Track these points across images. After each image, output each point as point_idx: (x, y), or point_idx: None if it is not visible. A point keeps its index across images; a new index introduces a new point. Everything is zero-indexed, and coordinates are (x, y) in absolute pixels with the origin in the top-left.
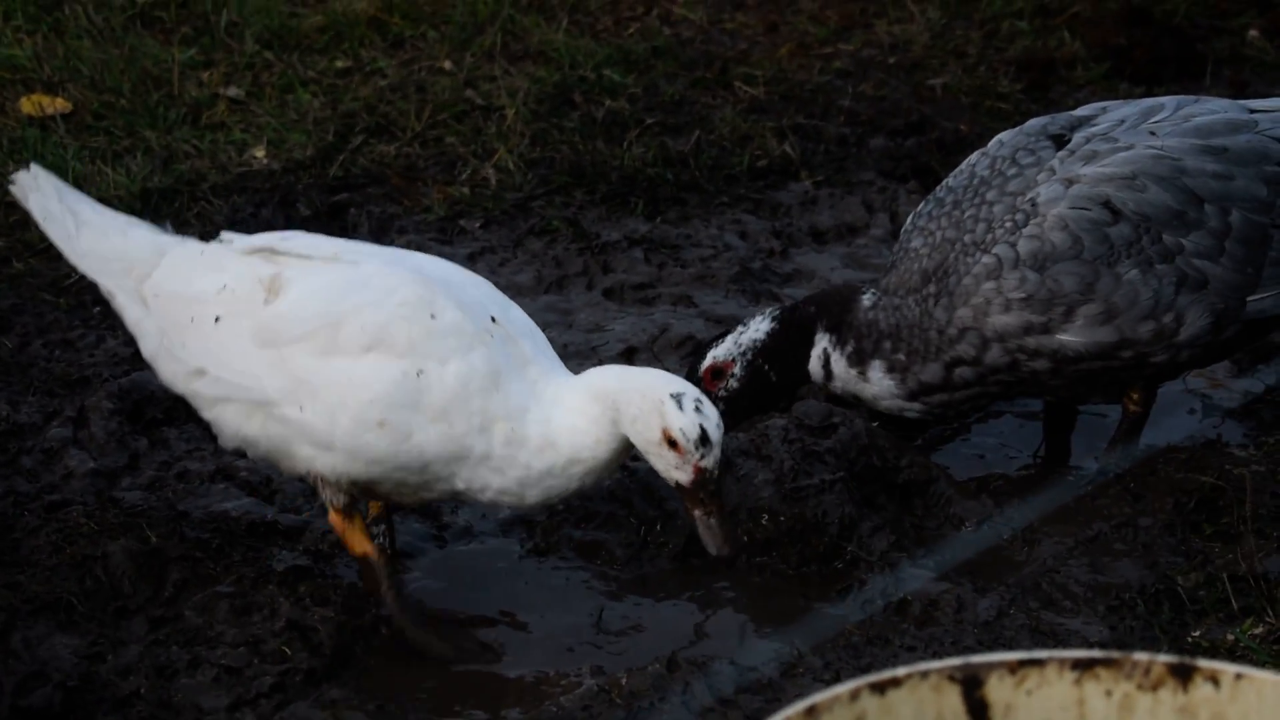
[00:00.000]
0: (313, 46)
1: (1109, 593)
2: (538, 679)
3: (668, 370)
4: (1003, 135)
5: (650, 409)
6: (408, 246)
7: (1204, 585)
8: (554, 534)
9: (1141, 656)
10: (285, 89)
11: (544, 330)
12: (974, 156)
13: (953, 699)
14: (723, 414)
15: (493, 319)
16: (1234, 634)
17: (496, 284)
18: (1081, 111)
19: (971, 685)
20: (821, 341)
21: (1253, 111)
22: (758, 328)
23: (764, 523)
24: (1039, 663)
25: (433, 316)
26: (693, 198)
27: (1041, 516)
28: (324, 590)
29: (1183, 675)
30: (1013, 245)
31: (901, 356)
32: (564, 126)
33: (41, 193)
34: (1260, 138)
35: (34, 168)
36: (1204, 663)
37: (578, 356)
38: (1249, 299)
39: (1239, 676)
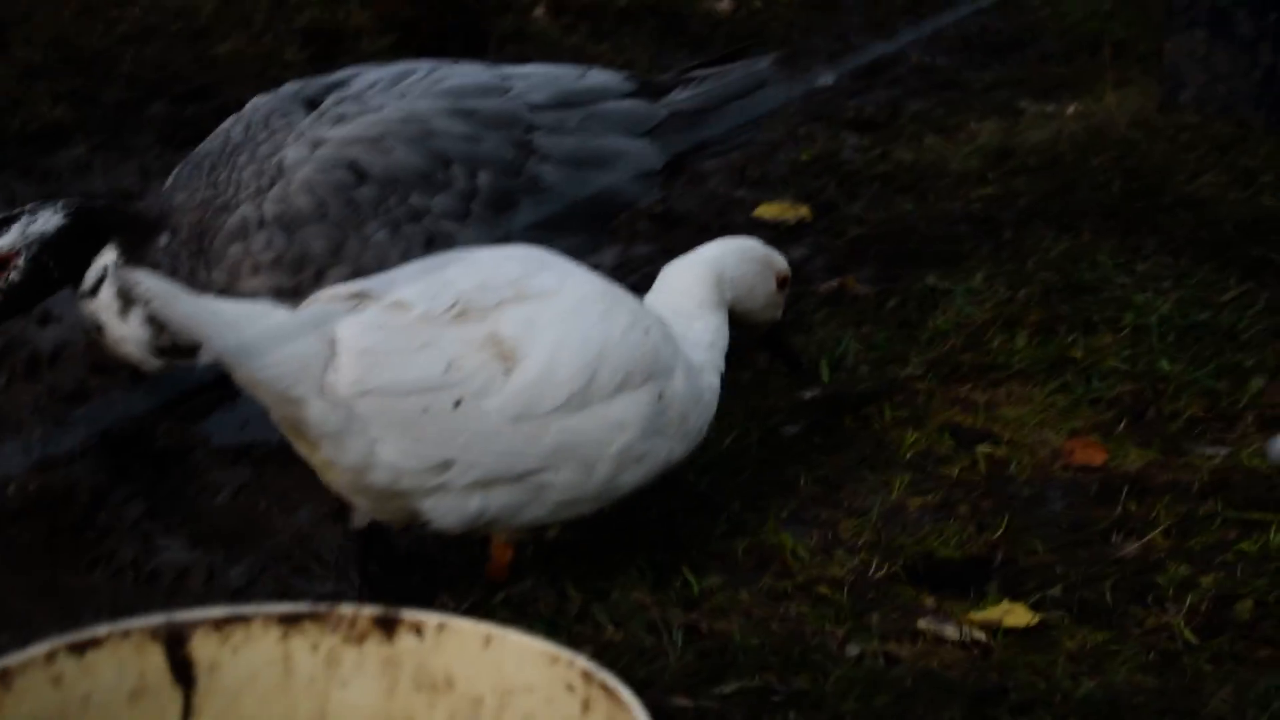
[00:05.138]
0: None
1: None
2: None
3: None
4: (257, 99)
5: (761, 265)
6: None
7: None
8: None
9: (348, 609)
10: None
11: None
12: (229, 121)
13: (156, 658)
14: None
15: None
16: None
17: None
18: (337, 76)
19: (176, 643)
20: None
21: (507, 76)
22: (48, 220)
23: (10, 494)
24: (245, 619)
25: (646, 333)
26: None
27: (298, 484)
28: None
29: (388, 626)
30: (259, 207)
31: None
32: None
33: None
34: (512, 101)
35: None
36: (409, 614)
37: None
38: None
39: (441, 626)
